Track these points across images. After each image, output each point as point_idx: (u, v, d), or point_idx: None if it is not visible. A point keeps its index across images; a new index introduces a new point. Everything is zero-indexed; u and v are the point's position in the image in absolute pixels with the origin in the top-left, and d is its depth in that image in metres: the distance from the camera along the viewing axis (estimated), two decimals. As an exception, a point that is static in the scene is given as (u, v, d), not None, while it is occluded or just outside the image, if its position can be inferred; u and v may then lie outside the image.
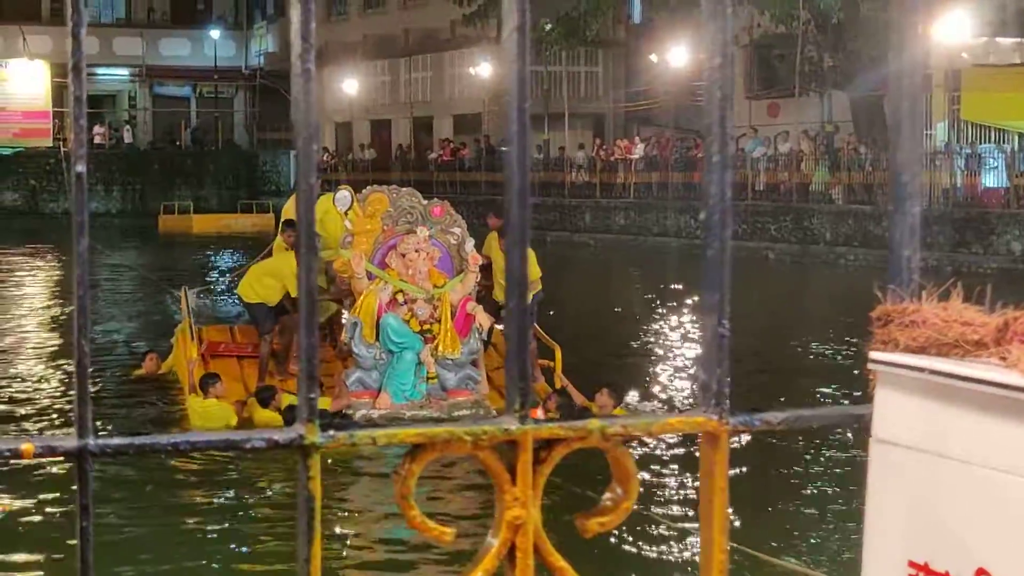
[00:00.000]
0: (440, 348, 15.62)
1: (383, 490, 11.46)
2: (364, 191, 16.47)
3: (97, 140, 64.23)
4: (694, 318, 24.36)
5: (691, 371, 18.82)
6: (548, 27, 45.16)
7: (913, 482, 1.85)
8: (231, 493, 12.34)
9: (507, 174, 1.90)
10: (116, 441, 1.78)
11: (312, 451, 1.81)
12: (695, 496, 10.38)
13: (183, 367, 16.90)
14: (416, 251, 15.69)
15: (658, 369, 19.21)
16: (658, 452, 13.00)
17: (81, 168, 1.71)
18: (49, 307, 27.88)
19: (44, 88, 63.46)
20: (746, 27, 43.82)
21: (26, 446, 1.73)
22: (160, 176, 66.05)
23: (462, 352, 15.68)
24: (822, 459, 12.38)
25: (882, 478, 1.90)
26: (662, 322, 24.72)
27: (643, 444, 13.47)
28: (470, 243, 16.09)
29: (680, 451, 12.56)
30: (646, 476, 12.31)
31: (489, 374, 16.46)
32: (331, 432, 1.82)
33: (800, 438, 13.32)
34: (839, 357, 20.17)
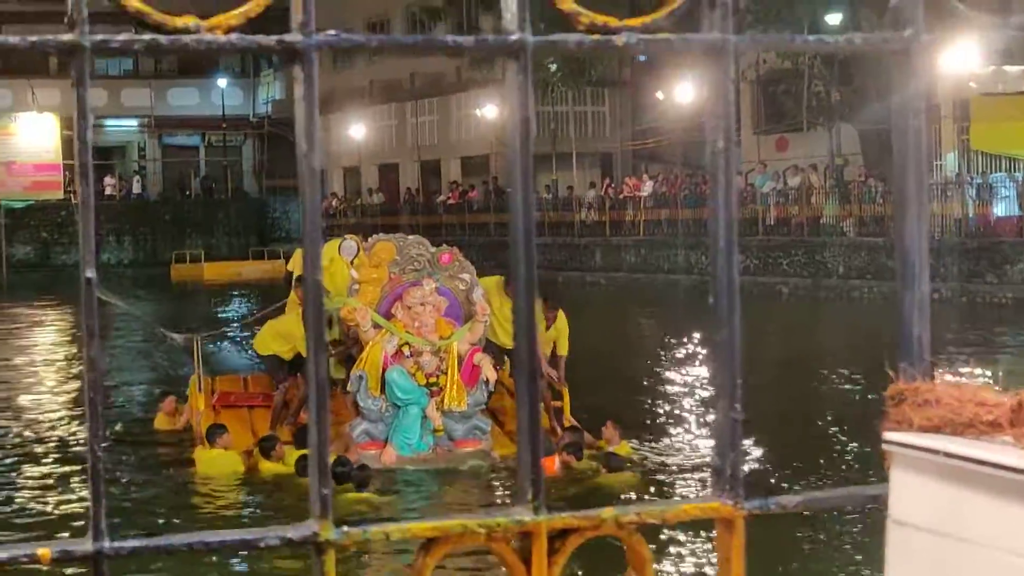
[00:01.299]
0: (446, 401, 15.55)
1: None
2: (371, 239, 16.44)
3: (107, 191, 64.50)
4: (704, 359, 24.32)
5: (702, 412, 18.76)
6: (553, 67, 45.29)
7: (931, 564, 1.85)
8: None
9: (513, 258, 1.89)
10: (131, 543, 1.78)
11: (327, 548, 1.81)
12: None
13: (195, 417, 17.00)
14: (422, 304, 15.65)
15: (670, 410, 19.10)
16: (675, 533, 12.84)
17: (91, 274, 1.71)
18: (62, 364, 27.86)
19: (54, 141, 63.65)
20: (752, 63, 43.89)
21: (42, 551, 1.73)
22: (171, 225, 66.25)
23: (468, 404, 15.61)
24: (837, 534, 12.20)
25: (899, 559, 1.89)
26: (674, 363, 24.64)
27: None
28: (479, 291, 16.04)
29: (698, 532, 12.40)
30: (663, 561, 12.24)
31: (496, 414, 16.45)
32: (344, 528, 1.82)
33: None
34: (855, 395, 20.10)
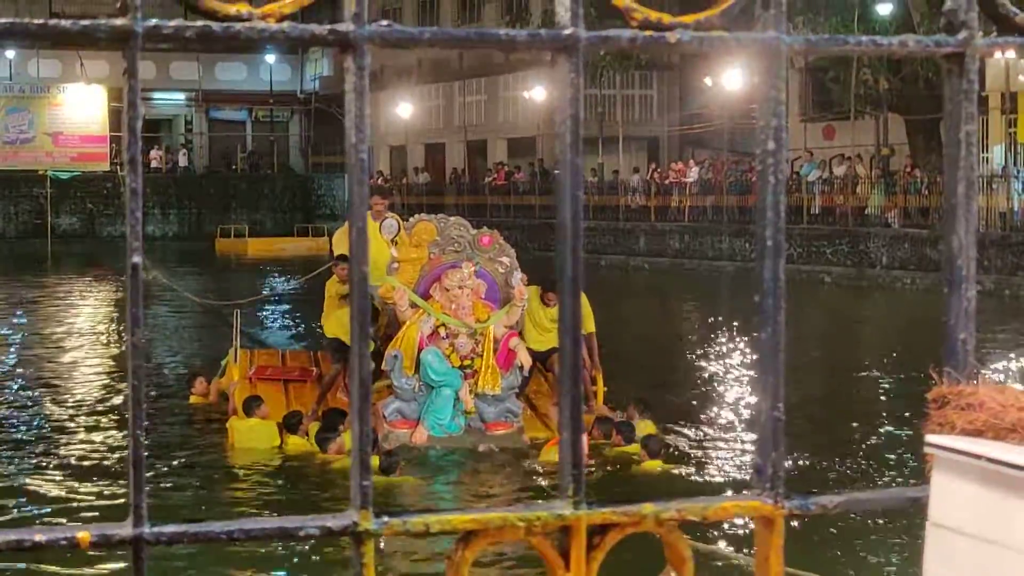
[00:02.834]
0: (480, 383, 15.56)
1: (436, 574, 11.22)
2: (412, 219, 16.46)
3: (153, 164, 64.71)
4: (745, 348, 24.26)
5: (737, 404, 18.71)
6: (602, 51, 45.14)
7: (971, 568, 1.84)
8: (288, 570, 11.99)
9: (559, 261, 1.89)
10: (171, 529, 1.78)
11: (366, 538, 1.81)
12: None
13: (230, 389, 17.11)
14: (460, 287, 15.66)
15: (705, 400, 18.99)
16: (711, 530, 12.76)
17: (138, 259, 1.72)
18: (103, 338, 28.00)
19: (101, 113, 63.94)
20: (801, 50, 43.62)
21: (82, 535, 1.74)
22: (216, 199, 66.46)
23: (502, 387, 15.63)
24: (877, 534, 12.08)
25: (939, 563, 1.89)
26: (713, 351, 24.57)
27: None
28: (518, 274, 16.07)
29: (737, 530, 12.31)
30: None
31: (530, 397, 16.50)
32: (384, 518, 1.82)
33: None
34: (899, 384, 20.01)
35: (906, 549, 10.93)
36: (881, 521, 11.91)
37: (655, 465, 14.31)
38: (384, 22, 1.79)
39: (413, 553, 11.43)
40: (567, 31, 1.81)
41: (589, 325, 16.24)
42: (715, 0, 1.86)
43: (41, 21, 1.68)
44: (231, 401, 16.63)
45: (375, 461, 13.35)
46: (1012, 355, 22.04)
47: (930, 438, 1.91)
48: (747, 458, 15.14)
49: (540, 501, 1.91)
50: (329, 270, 17.98)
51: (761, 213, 1.87)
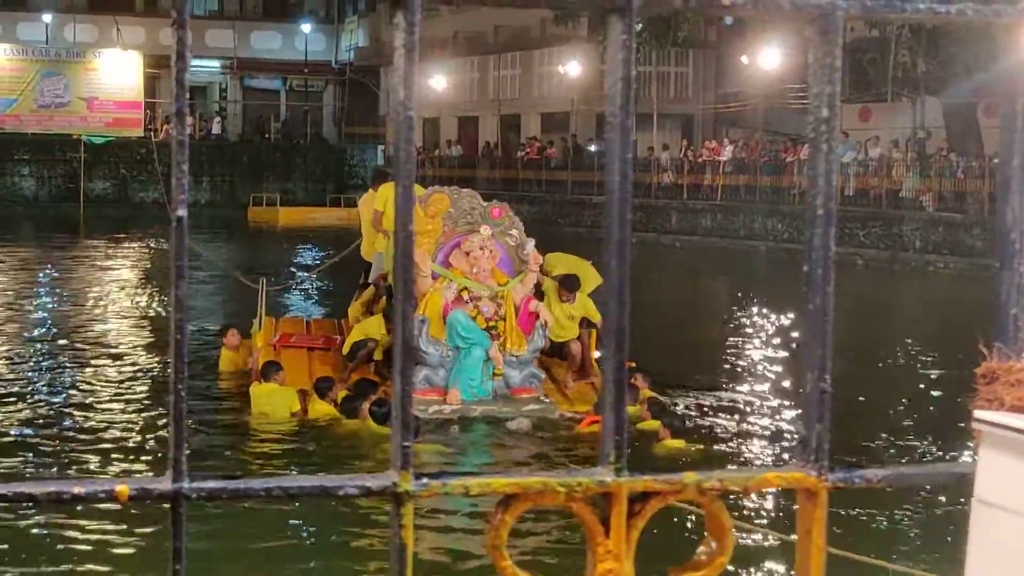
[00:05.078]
0: (507, 345, 15.73)
1: (472, 537, 11.20)
2: (426, 191, 16.53)
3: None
4: (775, 330, 24.19)
5: (765, 382, 18.66)
6: (639, 27, 44.97)
7: (1017, 546, 1.81)
8: (320, 534, 11.89)
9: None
10: (210, 484, 1.78)
11: (405, 499, 1.80)
12: (788, 552, 10.20)
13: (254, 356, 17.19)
14: (481, 249, 15.81)
15: (731, 379, 18.96)
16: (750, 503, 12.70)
17: (182, 212, 1.70)
18: (135, 301, 28.10)
19: (136, 79, 64.01)
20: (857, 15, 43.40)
21: (120, 488, 1.73)
22: (249, 168, 66.50)
23: (528, 349, 15.79)
24: (919, 509, 11.97)
25: (984, 541, 1.86)
26: (741, 330, 24.50)
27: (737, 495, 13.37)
28: (530, 244, 16.29)
29: (777, 503, 12.24)
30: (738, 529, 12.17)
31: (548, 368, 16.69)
32: (424, 480, 1.81)
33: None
34: (932, 369, 19.96)
35: (946, 529, 10.87)
36: (922, 499, 11.89)
37: (678, 444, 14.30)
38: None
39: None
40: (621, -8, 1.79)
41: (594, 315, 16.45)
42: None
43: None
44: (253, 364, 16.70)
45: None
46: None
47: (979, 414, 1.88)
48: (774, 437, 15.13)
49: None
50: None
51: (813, 181, 1.85)
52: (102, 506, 10.32)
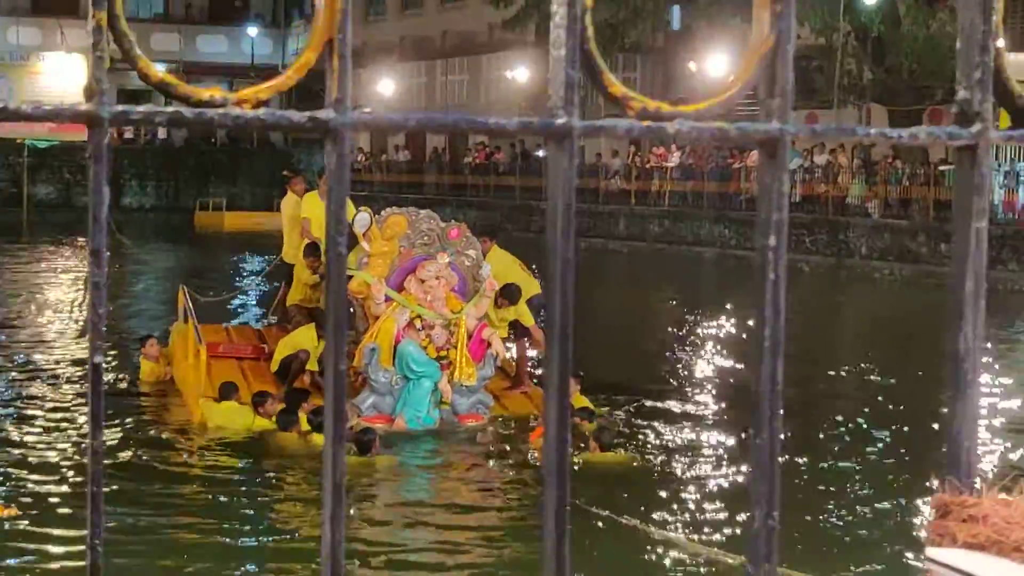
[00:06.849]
0: (456, 375, 15.65)
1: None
2: (383, 212, 16.35)
3: (129, 135, 64.37)
4: (720, 336, 24.20)
5: (708, 390, 18.64)
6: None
7: None
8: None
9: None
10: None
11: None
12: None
13: (183, 368, 17.01)
14: (436, 278, 15.72)
15: (677, 386, 18.92)
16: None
17: (99, 359, 1.62)
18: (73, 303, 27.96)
19: (80, 82, 63.54)
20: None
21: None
22: (194, 173, 66.15)
23: (477, 378, 15.74)
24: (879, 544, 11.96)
25: None
26: (688, 337, 24.47)
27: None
28: (487, 268, 16.21)
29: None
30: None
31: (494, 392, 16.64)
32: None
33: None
34: (871, 376, 20.04)
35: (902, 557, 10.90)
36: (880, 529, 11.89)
37: (618, 458, 14.19)
38: (367, 109, 1.69)
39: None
40: (560, 120, 1.71)
41: (527, 319, 16.53)
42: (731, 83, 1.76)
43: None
44: (201, 380, 16.33)
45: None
46: (989, 346, 21.96)
47: (930, 552, 1.82)
48: (709, 448, 15.13)
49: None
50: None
51: (759, 311, 1.78)
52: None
